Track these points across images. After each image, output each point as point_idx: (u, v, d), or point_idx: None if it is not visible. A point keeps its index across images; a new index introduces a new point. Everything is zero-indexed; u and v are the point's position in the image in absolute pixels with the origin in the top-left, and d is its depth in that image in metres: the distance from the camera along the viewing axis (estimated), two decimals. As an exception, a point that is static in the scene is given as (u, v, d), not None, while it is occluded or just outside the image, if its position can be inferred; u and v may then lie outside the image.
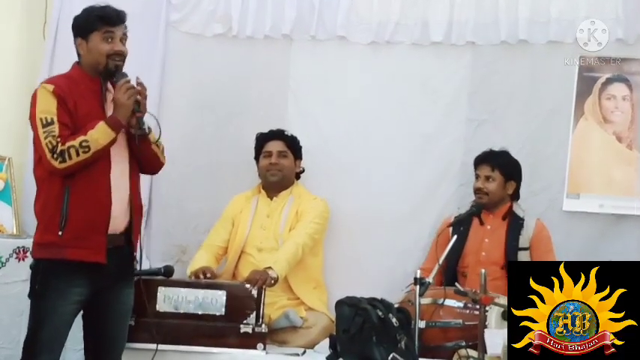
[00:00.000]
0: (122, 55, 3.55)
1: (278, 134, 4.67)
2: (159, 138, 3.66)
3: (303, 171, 4.75)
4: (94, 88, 3.53)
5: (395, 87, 4.84)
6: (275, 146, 4.64)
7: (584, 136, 4.60)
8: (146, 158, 3.64)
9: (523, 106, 4.71)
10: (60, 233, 3.39)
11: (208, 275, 4.25)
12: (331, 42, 4.86)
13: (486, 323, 3.77)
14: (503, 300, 3.59)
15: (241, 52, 4.94)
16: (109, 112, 3.52)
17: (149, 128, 3.58)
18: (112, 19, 3.54)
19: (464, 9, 4.71)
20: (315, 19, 4.83)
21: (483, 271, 3.79)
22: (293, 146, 4.68)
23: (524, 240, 4.39)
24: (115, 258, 3.50)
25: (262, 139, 4.68)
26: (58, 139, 3.36)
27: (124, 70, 3.58)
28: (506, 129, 4.71)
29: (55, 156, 3.35)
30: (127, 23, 3.63)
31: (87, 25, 3.54)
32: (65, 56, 3.66)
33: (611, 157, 4.58)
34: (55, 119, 3.39)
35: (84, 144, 3.37)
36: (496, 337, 3.66)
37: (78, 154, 3.36)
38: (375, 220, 4.78)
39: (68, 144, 3.36)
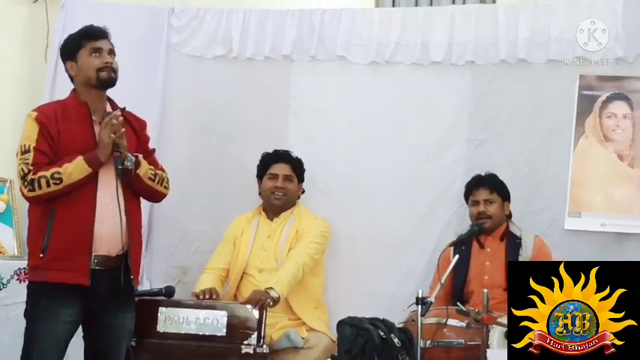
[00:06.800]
0: (112, 68, 3.57)
1: (285, 157, 4.67)
2: (147, 174, 3.63)
3: (304, 192, 4.75)
4: (83, 112, 3.53)
5: (395, 107, 4.86)
6: (281, 169, 4.63)
7: (585, 155, 4.59)
8: (139, 191, 3.66)
9: (523, 125, 4.72)
10: (41, 255, 3.40)
11: (207, 296, 4.25)
12: (331, 62, 4.89)
13: (489, 343, 3.75)
14: (506, 319, 3.57)
15: (242, 73, 4.96)
16: None
17: (135, 164, 3.54)
18: (96, 33, 3.59)
19: (464, 29, 4.74)
20: (315, 39, 4.86)
21: (485, 290, 3.78)
22: (298, 169, 4.68)
23: (523, 259, 4.35)
24: (109, 281, 3.48)
25: (268, 160, 4.68)
26: (31, 168, 3.40)
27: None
28: (506, 148, 4.72)
29: (25, 184, 3.40)
30: (128, 46, 3.68)
31: (73, 45, 3.59)
32: (67, 80, 3.69)
33: (613, 175, 4.57)
34: (32, 147, 3.42)
35: (56, 176, 3.38)
36: (498, 357, 3.63)
37: (48, 185, 3.38)
38: (376, 240, 4.78)
39: (40, 174, 3.38)
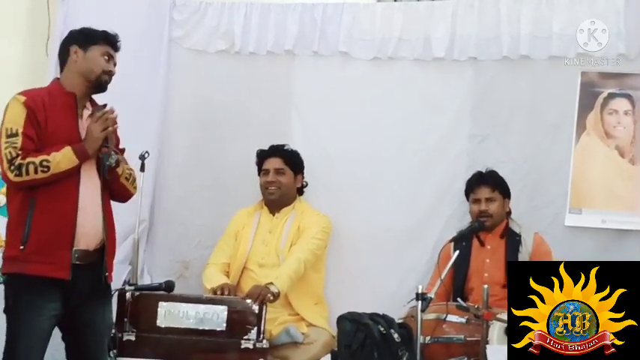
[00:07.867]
0: (111, 78, 3.58)
1: (276, 151, 4.66)
2: (124, 173, 3.62)
3: (306, 185, 4.74)
4: (69, 102, 3.51)
5: (397, 102, 4.85)
6: (272, 164, 4.62)
7: (587, 151, 4.59)
8: (114, 188, 3.62)
9: (525, 121, 4.70)
10: (22, 247, 3.36)
11: (226, 293, 4.27)
12: (334, 57, 4.88)
13: (488, 339, 3.75)
14: (505, 316, 3.57)
15: (244, 68, 4.96)
16: (83, 128, 3.50)
17: (117, 161, 3.53)
18: (115, 43, 3.60)
19: (466, 24, 4.72)
20: (318, 34, 4.86)
21: (486, 286, 3.79)
22: (292, 162, 4.66)
23: (523, 256, 4.37)
24: (88, 275, 3.46)
25: (261, 156, 4.68)
26: (19, 152, 3.35)
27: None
28: (508, 144, 4.71)
29: (12, 168, 3.34)
30: (130, 40, 3.66)
31: (91, 37, 3.56)
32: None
33: (614, 172, 4.56)
34: (20, 131, 3.36)
35: (44, 163, 3.34)
36: (498, 353, 3.63)
37: (36, 172, 3.34)
38: (378, 236, 4.77)
39: (28, 159, 3.34)
